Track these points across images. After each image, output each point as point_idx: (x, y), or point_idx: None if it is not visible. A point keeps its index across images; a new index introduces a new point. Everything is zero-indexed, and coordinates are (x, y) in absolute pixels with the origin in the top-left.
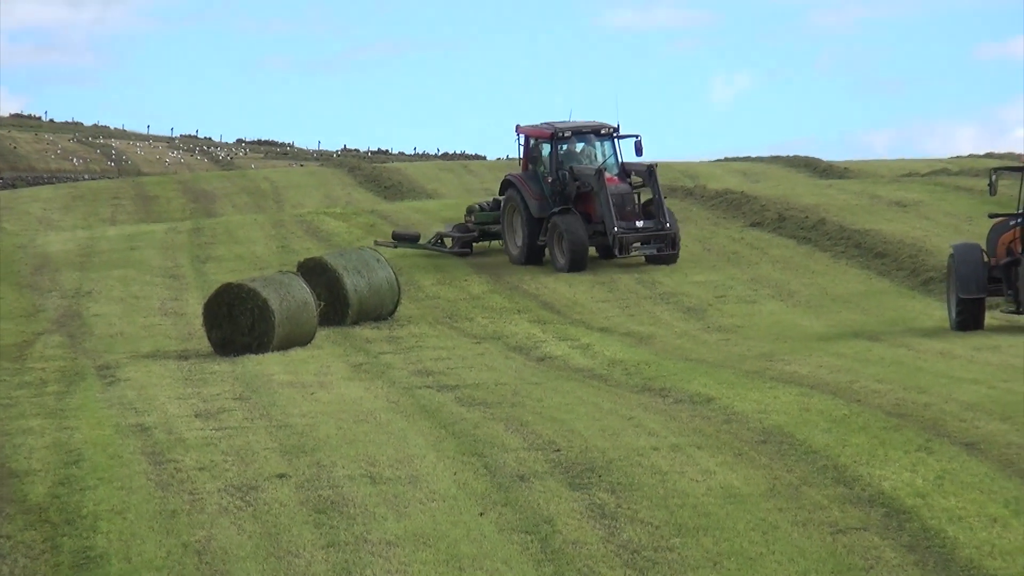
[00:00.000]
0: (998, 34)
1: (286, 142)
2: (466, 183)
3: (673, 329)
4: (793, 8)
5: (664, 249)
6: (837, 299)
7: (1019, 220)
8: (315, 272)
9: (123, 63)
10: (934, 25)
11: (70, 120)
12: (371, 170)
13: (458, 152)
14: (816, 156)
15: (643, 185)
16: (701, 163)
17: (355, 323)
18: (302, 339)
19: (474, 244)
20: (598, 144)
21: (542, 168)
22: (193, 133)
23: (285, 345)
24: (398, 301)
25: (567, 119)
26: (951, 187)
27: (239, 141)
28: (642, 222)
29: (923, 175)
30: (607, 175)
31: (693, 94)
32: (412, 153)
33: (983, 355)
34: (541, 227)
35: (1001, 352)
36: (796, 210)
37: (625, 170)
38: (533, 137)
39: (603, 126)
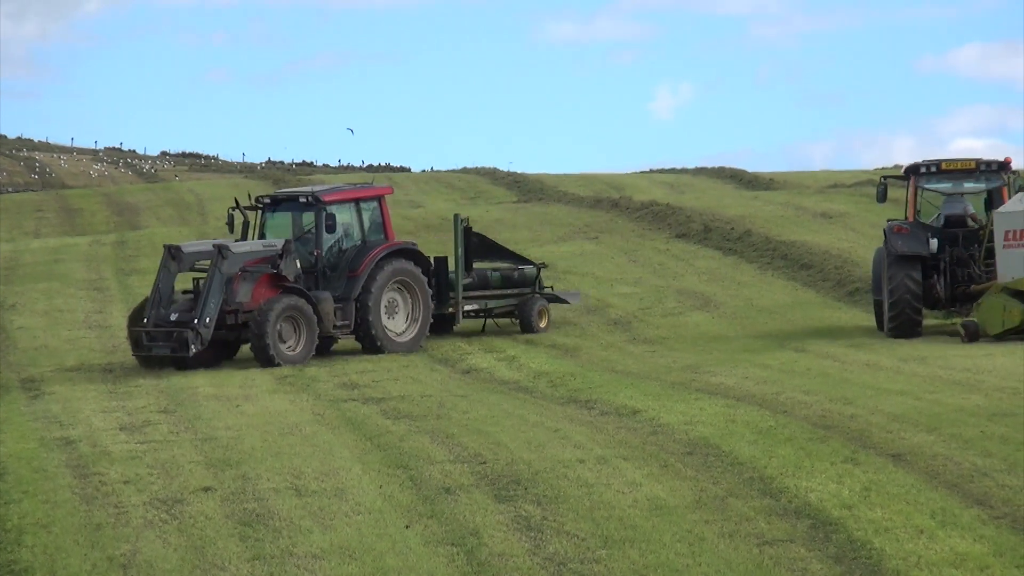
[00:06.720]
0: (938, 47)
1: (210, 154)
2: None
3: (599, 341)
4: (735, 21)
5: (177, 350)
6: (763, 310)
7: None
8: None
9: (61, 78)
10: (875, 38)
11: None
12: (295, 182)
13: (383, 164)
14: (751, 168)
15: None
16: (627, 174)
17: None
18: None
19: None
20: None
21: None
22: (117, 145)
23: None
24: None
25: None
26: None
27: (163, 153)
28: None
29: (848, 186)
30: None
31: (634, 107)
32: (336, 165)
33: (909, 366)
34: None
35: (927, 363)
36: (722, 221)
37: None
38: None
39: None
